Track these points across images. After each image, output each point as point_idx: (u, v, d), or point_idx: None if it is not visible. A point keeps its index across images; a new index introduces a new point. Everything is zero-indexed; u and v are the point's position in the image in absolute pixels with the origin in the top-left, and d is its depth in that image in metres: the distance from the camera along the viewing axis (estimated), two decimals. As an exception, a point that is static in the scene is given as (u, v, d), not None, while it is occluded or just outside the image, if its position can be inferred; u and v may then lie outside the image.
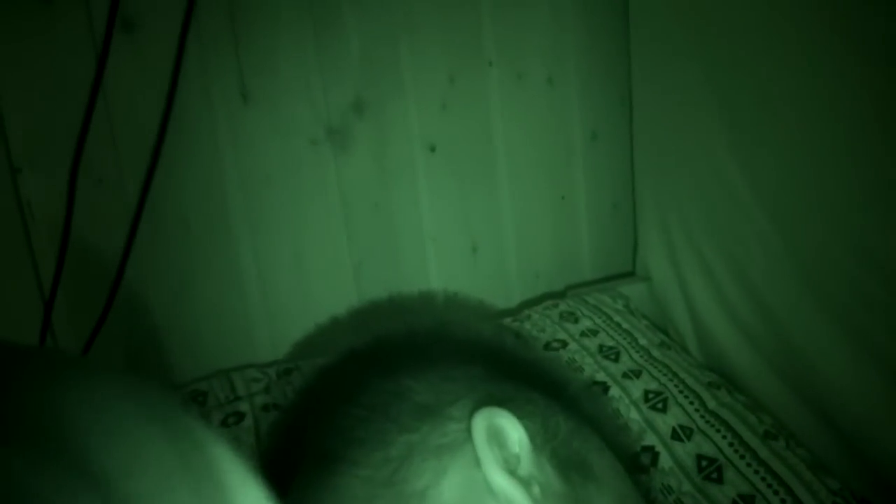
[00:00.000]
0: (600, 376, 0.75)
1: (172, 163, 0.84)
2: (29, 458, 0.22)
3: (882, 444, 0.66)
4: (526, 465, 0.47)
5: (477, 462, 0.46)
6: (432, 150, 0.96)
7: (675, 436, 0.68)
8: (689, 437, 0.68)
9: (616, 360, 0.78)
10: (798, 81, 0.68)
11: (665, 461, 0.67)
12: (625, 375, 0.75)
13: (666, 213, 0.94)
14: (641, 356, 0.79)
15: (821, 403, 0.72)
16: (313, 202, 0.92)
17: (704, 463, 0.66)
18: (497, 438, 0.48)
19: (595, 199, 1.07)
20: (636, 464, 0.66)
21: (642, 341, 0.82)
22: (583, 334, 0.82)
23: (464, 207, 1.00)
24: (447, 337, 0.62)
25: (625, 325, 0.85)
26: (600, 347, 0.80)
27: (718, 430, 0.68)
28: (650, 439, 0.69)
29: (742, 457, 0.65)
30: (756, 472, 0.64)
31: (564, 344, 0.81)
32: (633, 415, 0.71)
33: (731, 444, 0.67)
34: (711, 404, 0.71)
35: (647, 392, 0.73)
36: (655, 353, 0.79)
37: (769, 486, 0.63)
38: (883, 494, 0.65)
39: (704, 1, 0.79)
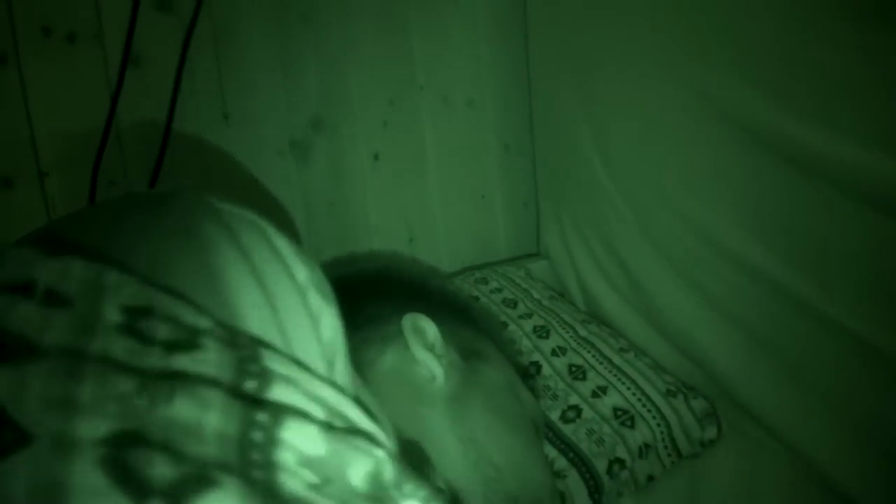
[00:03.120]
0: (503, 318, 0.99)
1: (170, 170, 1.00)
2: None
3: (706, 351, 0.88)
4: (439, 348, 0.69)
5: (407, 346, 0.69)
6: (376, 158, 1.15)
7: (553, 353, 0.92)
8: (563, 354, 0.91)
9: (514, 307, 1.01)
10: (638, 109, 0.93)
11: (546, 370, 0.90)
12: (520, 317, 0.99)
13: (559, 207, 1.18)
14: (534, 304, 1.02)
15: (663, 328, 0.95)
16: (280, 201, 1.09)
17: (574, 369, 0.89)
18: (420, 333, 0.70)
19: (508, 199, 1.28)
20: (526, 372, 0.89)
21: (536, 296, 1.05)
22: (491, 292, 1.05)
23: (402, 205, 1.19)
24: (388, 274, 0.83)
25: (524, 286, 1.08)
26: (504, 300, 1.03)
27: (585, 348, 0.92)
28: (536, 357, 0.92)
29: (601, 363, 0.89)
30: (611, 371, 0.87)
31: (477, 299, 1.04)
32: (525, 342, 0.94)
33: (594, 356, 0.90)
34: (582, 332, 0.95)
35: (535, 327, 0.97)
36: (545, 302, 1.03)
37: (619, 379, 0.86)
38: (707, 385, 0.88)
39: (580, 44, 1.03)
